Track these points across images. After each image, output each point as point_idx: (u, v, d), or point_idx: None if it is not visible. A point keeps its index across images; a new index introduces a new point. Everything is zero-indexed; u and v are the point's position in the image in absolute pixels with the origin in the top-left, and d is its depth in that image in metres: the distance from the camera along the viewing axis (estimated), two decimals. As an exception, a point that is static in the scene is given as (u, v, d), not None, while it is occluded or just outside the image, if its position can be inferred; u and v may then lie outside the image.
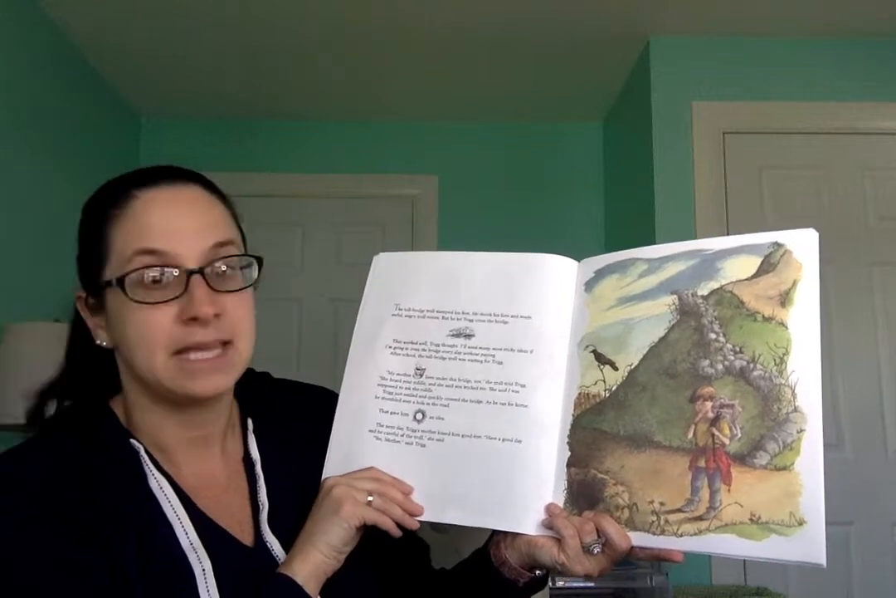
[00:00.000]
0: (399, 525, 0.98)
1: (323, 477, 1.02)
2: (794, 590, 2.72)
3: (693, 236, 3.01)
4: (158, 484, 0.95)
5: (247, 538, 0.98)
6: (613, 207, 3.81)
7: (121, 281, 0.91)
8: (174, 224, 0.94)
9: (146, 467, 0.95)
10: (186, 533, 0.93)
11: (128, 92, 3.66)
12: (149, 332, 0.92)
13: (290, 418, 1.11)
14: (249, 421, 1.08)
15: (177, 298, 0.92)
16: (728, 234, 3.01)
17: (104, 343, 0.97)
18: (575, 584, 2.42)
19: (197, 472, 1.00)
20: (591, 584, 2.47)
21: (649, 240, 3.04)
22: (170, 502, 0.94)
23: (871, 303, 3.04)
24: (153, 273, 0.92)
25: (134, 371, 0.96)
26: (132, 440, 0.97)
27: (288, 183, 3.88)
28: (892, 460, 2.93)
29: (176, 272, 0.92)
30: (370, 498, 0.96)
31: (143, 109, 3.84)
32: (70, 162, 3.08)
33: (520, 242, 3.61)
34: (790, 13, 2.99)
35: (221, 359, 0.95)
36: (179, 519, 0.93)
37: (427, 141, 3.97)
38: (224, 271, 0.96)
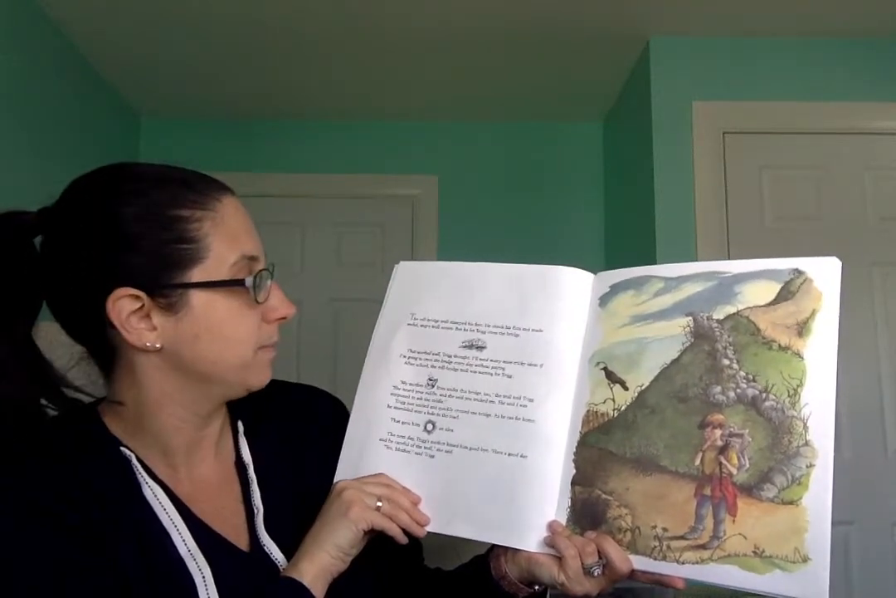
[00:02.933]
0: (405, 533, 0.99)
1: (334, 482, 1.02)
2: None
3: (693, 237, 3.02)
4: (153, 492, 0.94)
5: (242, 543, 0.98)
6: (613, 207, 3.80)
7: (239, 283, 0.95)
8: (253, 231, 1.00)
9: (139, 476, 0.95)
10: (184, 540, 0.93)
11: (128, 92, 3.65)
12: (249, 330, 0.97)
13: (282, 420, 1.11)
14: (240, 424, 1.07)
15: (266, 300, 0.98)
16: (728, 234, 3.04)
17: (157, 345, 0.93)
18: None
19: (192, 476, 1.00)
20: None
21: (649, 240, 3.05)
22: (165, 509, 0.94)
23: (871, 303, 3.04)
24: (266, 275, 0.98)
25: (190, 370, 0.95)
26: (122, 448, 0.96)
27: (288, 183, 3.87)
28: (892, 460, 2.94)
29: (268, 277, 0.99)
30: (379, 504, 0.97)
31: (143, 109, 3.83)
32: (70, 162, 3.06)
33: (520, 242, 3.65)
34: (790, 13, 2.98)
35: (274, 354, 1.03)
36: (176, 526, 0.93)
37: (427, 141, 3.96)
38: None
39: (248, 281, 0.94)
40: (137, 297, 0.92)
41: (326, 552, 0.94)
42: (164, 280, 0.92)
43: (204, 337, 0.94)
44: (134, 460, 0.95)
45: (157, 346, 0.94)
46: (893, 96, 3.10)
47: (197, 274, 0.93)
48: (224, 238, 0.95)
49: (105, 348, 0.97)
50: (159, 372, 0.96)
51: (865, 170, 3.12)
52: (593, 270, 1.09)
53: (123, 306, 0.92)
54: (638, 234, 3.33)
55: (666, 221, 3.07)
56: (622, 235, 3.63)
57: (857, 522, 2.87)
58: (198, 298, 0.93)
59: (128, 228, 0.92)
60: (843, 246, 3.00)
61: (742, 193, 3.12)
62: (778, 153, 3.14)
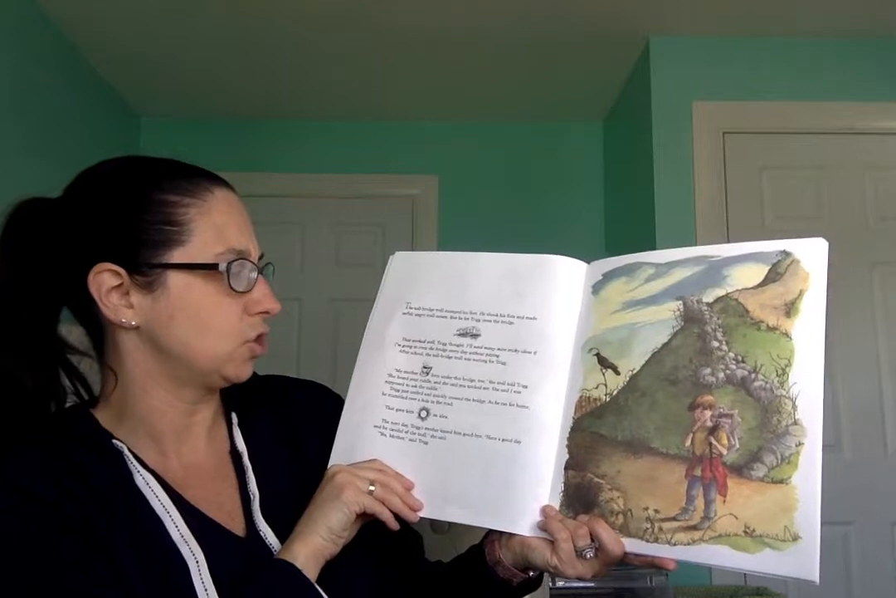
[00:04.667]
0: (397, 518, 0.99)
1: (328, 468, 1.03)
2: (793, 590, 2.71)
3: (693, 237, 3.02)
4: (145, 480, 0.95)
5: (238, 529, 0.99)
6: (613, 208, 3.80)
7: (213, 267, 0.97)
8: (245, 228, 1.02)
9: (131, 466, 0.96)
10: (177, 526, 0.93)
11: (128, 92, 3.67)
12: (226, 319, 0.99)
13: (277, 411, 1.12)
14: (233, 415, 1.09)
15: (249, 291, 1.00)
16: (728, 234, 3.04)
17: (133, 323, 0.97)
18: (574, 584, 2.42)
19: (184, 463, 1.02)
20: (591, 584, 2.48)
21: (649, 240, 3.04)
22: (157, 497, 0.95)
23: (871, 303, 3.04)
24: (249, 267, 1.00)
25: (167, 351, 0.98)
26: (114, 441, 0.97)
27: (288, 183, 3.87)
28: (891, 460, 2.93)
29: (254, 270, 1.01)
30: (371, 488, 0.98)
31: (143, 108, 3.85)
32: (70, 162, 3.05)
33: (519, 242, 3.59)
34: (790, 13, 2.99)
35: (263, 349, 1.04)
36: (168, 513, 0.94)
37: (427, 141, 3.96)
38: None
39: (222, 266, 0.96)
40: (118, 273, 0.96)
41: (318, 535, 0.94)
42: (143, 258, 0.96)
43: (178, 318, 0.97)
44: (126, 451, 0.97)
45: (133, 323, 0.97)
46: (893, 96, 3.10)
47: (177, 256, 0.96)
48: (209, 227, 0.98)
49: (95, 325, 1.01)
50: (139, 351, 0.99)
51: (865, 170, 3.12)
52: (593, 269, 1.08)
53: (103, 280, 0.96)
54: (638, 234, 3.33)
55: (666, 221, 3.07)
56: (622, 235, 3.64)
57: (857, 522, 2.86)
58: (175, 279, 0.96)
59: (114, 206, 0.97)
60: (843, 246, 2.99)
61: (742, 193, 3.12)
62: (778, 153, 3.15)
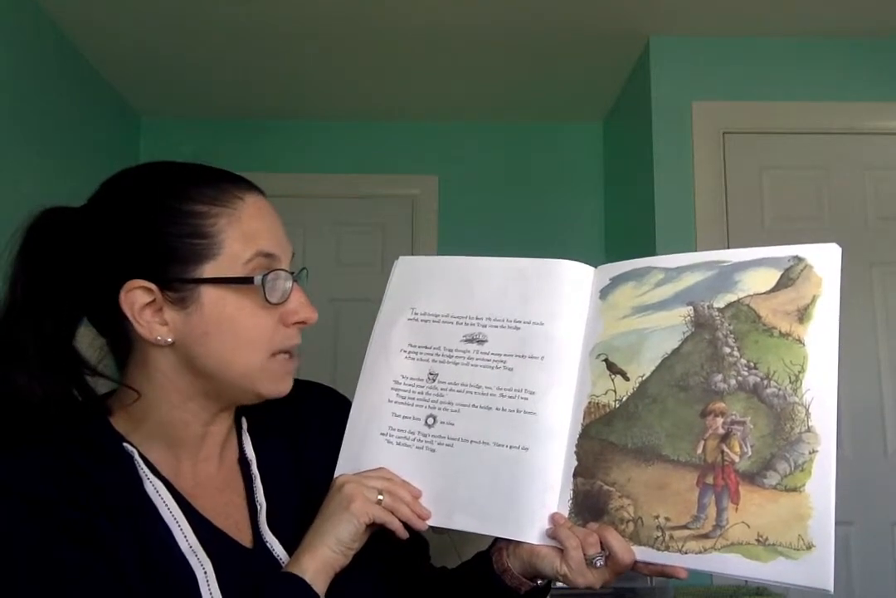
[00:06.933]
0: (406, 526, 0.98)
1: (335, 477, 1.02)
2: (793, 590, 2.70)
3: (693, 237, 3.02)
4: (154, 488, 0.94)
5: (245, 539, 0.98)
6: (613, 207, 3.80)
7: (248, 280, 0.93)
8: (277, 232, 0.99)
9: (141, 471, 0.95)
10: (185, 536, 0.92)
11: (128, 92, 3.66)
12: (260, 331, 0.96)
13: (285, 416, 1.10)
14: (243, 421, 1.07)
15: (285, 302, 0.96)
16: (728, 234, 3.04)
17: (169, 340, 0.94)
18: (576, 584, 2.42)
19: (196, 471, 1.00)
20: (592, 584, 2.47)
21: (649, 240, 3.04)
22: (167, 505, 0.93)
23: (871, 303, 3.03)
24: (283, 277, 0.96)
25: (201, 368, 0.95)
26: (125, 445, 0.96)
27: (288, 183, 3.84)
28: (892, 460, 2.93)
29: (289, 279, 0.97)
30: (380, 497, 0.97)
31: (143, 108, 3.84)
32: (70, 162, 3.07)
33: (520, 242, 3.64)
34: (791, 13, 2.98)
35: (296, 363, 1.01)
36: (177, 522, 0.93)
37: (427, 141, 3.96)
38: None
39: (257, 280, 0.93)
40: (150, 290, 0.93)
41: (328, 547, 0.93)
42: (174, 274, 0.93)
43: (213, 334, 0.94)
44: (136, 456, 0.95)
45: (169, 340, 0.94)
46: (893, 96, 3.10)
47: (209, 270, 0.93)
48: (239, 235, 0.94)
49: (122, 340, 0.98)
50: (171, 368, 0.96)
51: (865, 170, 3.12)
52: (594, 269, 1.08)
53: (136, 298, 0.93)
54: (638, 234, 3.32)
55: (666, 222, 3.07)
56: (622, 235, 3.63)
57: (857, 522, 2.86)
58: (208, 294, 0.93)
59: (142, 220, 0.94)
60: (844, 246, 2.94)
61: (742, 193, 3.12)
62: (778, 153, 3.14)
